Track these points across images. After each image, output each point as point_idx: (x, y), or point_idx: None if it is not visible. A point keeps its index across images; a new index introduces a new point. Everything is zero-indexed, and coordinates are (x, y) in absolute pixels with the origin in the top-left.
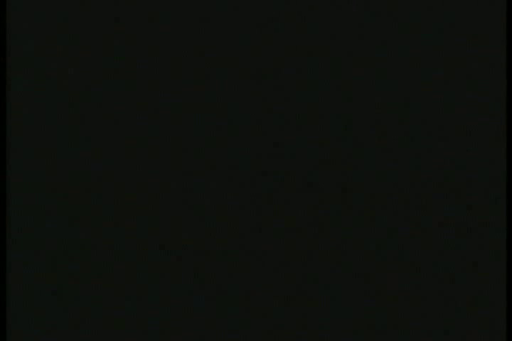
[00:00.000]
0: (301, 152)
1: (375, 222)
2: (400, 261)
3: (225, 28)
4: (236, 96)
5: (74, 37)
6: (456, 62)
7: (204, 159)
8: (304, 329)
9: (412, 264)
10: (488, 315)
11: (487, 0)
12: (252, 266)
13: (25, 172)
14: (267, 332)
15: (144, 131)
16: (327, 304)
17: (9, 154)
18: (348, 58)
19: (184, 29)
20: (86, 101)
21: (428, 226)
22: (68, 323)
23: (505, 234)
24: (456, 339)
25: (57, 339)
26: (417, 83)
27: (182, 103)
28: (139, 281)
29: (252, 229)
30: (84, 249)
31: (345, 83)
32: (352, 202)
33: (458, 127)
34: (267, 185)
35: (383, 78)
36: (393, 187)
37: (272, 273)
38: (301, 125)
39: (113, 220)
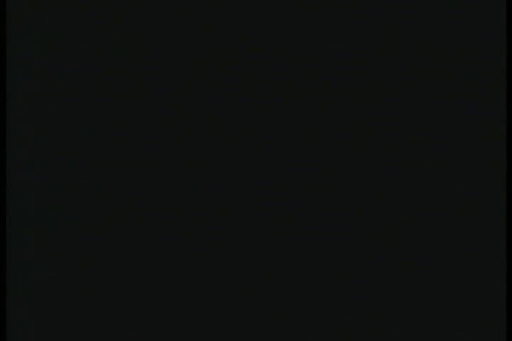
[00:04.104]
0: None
1: (374, 222)
2: (399, 261)
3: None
4: (235, 98)
5: (73, 37)
6: (456, 62)
7: (204, 160)
8: (303, 330)
9: (412, 264)
10: (488, 315)
11: (487, 0)
12: (251, 267)
13: (25, 172)
14: (266, 332)
15: (143, 130)
16: (326, 304)
17: (9, 154)
18: (347, 58)
19: (182, 31)
20: (85, 101)
21: (428, 226)
22: (68, 323)
23: (505, 234)
24: (455, 339)
25: (56, 339)
26: (416, 83)
27: (182, 103)
28: (139, 281)
29: (251, 229)
30: (84, 249)
31: (345, 83)
32: (351, 202)
33: (458, 127)
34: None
35: (383, 78)
36: (393, 187)
37: (271, 275)
38: (301, 125)
39: (112, 220)
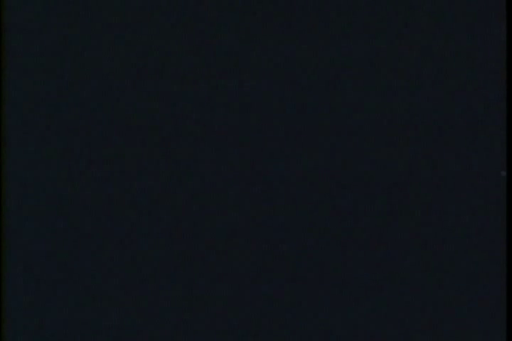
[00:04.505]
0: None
1: (374, 222)
2: (399, 261)
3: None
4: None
5: (73, 36)
6: (456, 62)
7: (203, 159)
8: (302, 329)
9: (412, 264)
10: (488, 315)
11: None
12: (251, 266)
13: (25, 172)
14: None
15: (142, 130)
16: (327, 303)
17: (9, 154)
18: (347, 58)
19: (181, 31)
20: (85, 101)
21: (427, 226)
22: (67, 322)
23: (505, 234)
24: (455, 339)
25: (56, 338)
26: (417, 83)
27: (182, 103)
28: (138, 281)
29: (250, 228)
30: (83, 248)
31: (346, 83)
32: (351, 202)
33: (458, 127)
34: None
35: (383, 78)
36: (393, 186)
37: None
38: (299, 125)
39: (112, 219)
